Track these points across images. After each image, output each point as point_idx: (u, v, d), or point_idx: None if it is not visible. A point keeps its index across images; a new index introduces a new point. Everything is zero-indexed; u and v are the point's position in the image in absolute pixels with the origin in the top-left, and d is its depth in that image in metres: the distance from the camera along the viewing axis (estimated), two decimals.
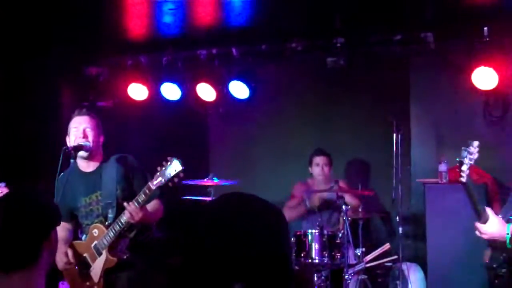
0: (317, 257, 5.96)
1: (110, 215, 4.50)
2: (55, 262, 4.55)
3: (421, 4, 5.93)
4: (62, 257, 4.52)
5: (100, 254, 4.50)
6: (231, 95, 7.33)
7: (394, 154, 6.06)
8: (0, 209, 2.04)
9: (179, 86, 7.45)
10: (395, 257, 6.07)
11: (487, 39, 6.20)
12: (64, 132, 4.71)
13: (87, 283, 4.54)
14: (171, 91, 7.49)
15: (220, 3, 6.04)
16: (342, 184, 6.62)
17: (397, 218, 6.04)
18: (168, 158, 4.21)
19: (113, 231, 4.39)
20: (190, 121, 8.18)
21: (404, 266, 6.15)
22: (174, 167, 4.15)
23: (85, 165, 4.61)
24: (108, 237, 4.43)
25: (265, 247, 1.48)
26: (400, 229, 6.01)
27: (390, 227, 6.50)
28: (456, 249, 6.07)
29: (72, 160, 4.57)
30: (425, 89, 7.20)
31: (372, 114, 7.44)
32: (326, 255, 5.96)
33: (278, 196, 7.01)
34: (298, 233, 6.13)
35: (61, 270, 4.63)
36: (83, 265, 4.57)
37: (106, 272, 4.49)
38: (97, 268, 4.51)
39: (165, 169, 4.17)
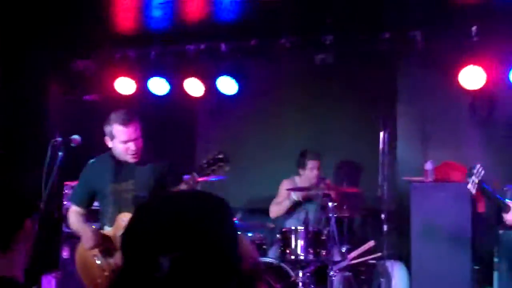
0: (302, 254, 5.97)
1: None
2: (82, 242, 4.48)
3: (410, 3, 5.95)
4: (90, 237, 4.40)
5: None
6: (219, 90, 7.32)
7: (381, 152, 6.07)
8: None
9: (167, 80, 7.43)
10: (379, 254, 6.09)
11: (475, 38, 6.23)
12: (51, 124, 4.67)
13: (105, 273, 4.39)
14: (159, 86, 7.47)
15: None
16: (328, 182, 6.62)
17: (382, 216, 6.06)
18: None
19: None
20: (177, 116, 8.15)
21: (388, 263, 6.17)
22: None
23: (122, 156, 4.49)
24: None
25: (191, 223, 1.44)
26: (385, 227, 6.02)
27: (375, 225, 6.51)
28: (440, 247, 6.11)
29: (60, 153, 4.50)
30: (412, 88, 7.22)
31: (359, 111, 7.45)
32: (311, 252, 5.98)
33: (266, 192, 7.01)
34: (284, 230, 6.16)
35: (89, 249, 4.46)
36: (106, 254, 4.45)
37: None
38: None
39: None
